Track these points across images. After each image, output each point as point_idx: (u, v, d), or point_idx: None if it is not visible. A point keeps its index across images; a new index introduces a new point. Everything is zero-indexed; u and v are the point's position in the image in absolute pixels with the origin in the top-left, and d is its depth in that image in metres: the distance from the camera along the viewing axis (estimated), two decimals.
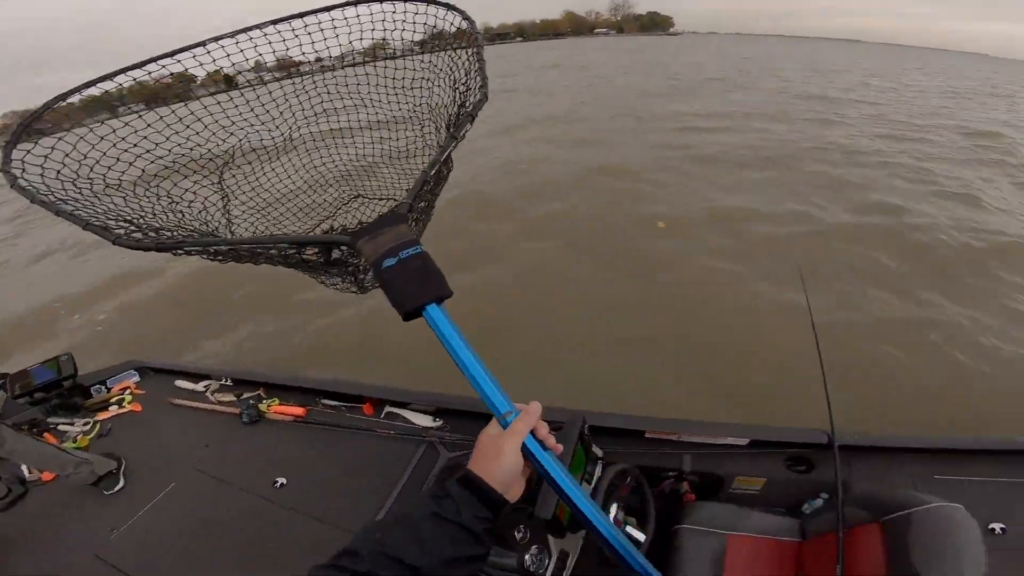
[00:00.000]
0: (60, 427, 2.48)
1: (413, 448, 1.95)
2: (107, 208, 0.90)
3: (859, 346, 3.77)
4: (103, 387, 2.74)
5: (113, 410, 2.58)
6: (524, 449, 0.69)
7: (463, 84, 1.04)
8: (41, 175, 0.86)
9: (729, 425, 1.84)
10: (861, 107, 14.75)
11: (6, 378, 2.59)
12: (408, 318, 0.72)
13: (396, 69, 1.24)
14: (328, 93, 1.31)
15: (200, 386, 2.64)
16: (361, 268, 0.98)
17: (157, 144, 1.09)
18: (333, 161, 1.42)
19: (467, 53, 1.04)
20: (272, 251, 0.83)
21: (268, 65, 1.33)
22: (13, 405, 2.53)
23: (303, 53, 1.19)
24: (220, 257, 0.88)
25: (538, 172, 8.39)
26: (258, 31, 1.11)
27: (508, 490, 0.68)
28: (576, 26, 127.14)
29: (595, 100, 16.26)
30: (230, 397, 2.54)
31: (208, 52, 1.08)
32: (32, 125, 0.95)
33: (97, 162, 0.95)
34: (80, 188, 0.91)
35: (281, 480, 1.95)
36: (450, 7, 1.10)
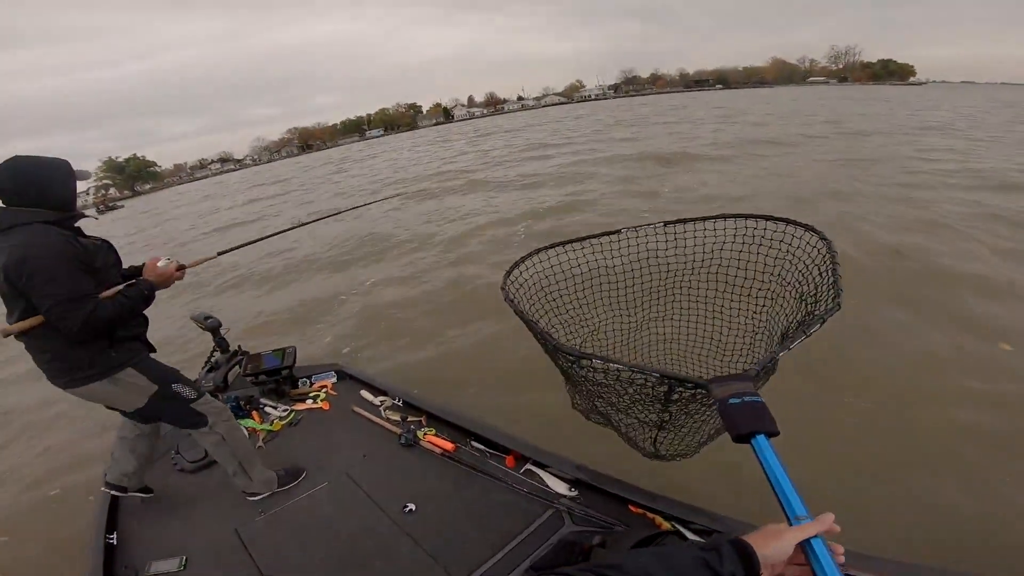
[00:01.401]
0: (266, 408, 2.85)
1: (540, 510, 1.89)
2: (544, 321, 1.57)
3: None
4: (308, 381, 3.11)
5: (309, 403, 2.87)
6: (806, 547, 0.72)
7: (813, 287, 1.22)
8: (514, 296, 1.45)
9: None
10: None
11: (244, 356, 3.13)
12: (739, 440, 0.86)
13: (747, 264, 1.53)
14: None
15: (377, 400, 2.77)
16: (676, 410, 1.18)
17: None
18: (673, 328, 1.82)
19: (820, 265, 1.23)
20: (634, 382, 1.10)
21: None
22: (242, 381, 3.01)
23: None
24: (589, 373, 1.17)
25: None
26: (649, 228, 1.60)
27: (767, 569, 0.72)
28: (784, 75, 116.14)
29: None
30: (396, 417, 2.60)
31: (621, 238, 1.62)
32: (519, 265, 1.56)
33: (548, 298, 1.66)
34: (535, 308, 1.58)
35: (411, 506, 2.00)
36: (809, 228, 1.29)
